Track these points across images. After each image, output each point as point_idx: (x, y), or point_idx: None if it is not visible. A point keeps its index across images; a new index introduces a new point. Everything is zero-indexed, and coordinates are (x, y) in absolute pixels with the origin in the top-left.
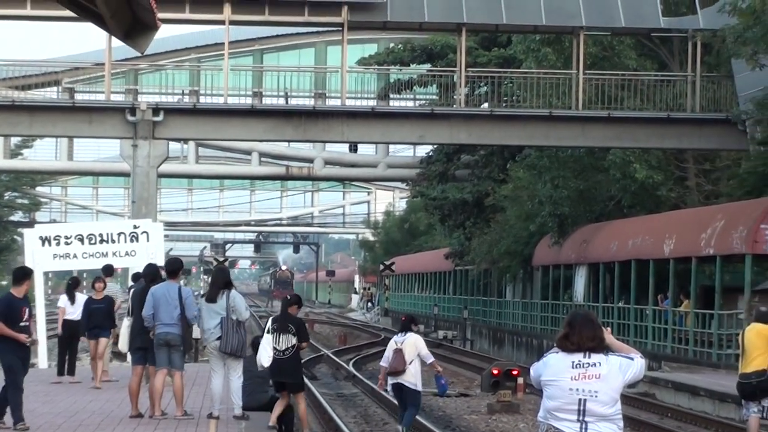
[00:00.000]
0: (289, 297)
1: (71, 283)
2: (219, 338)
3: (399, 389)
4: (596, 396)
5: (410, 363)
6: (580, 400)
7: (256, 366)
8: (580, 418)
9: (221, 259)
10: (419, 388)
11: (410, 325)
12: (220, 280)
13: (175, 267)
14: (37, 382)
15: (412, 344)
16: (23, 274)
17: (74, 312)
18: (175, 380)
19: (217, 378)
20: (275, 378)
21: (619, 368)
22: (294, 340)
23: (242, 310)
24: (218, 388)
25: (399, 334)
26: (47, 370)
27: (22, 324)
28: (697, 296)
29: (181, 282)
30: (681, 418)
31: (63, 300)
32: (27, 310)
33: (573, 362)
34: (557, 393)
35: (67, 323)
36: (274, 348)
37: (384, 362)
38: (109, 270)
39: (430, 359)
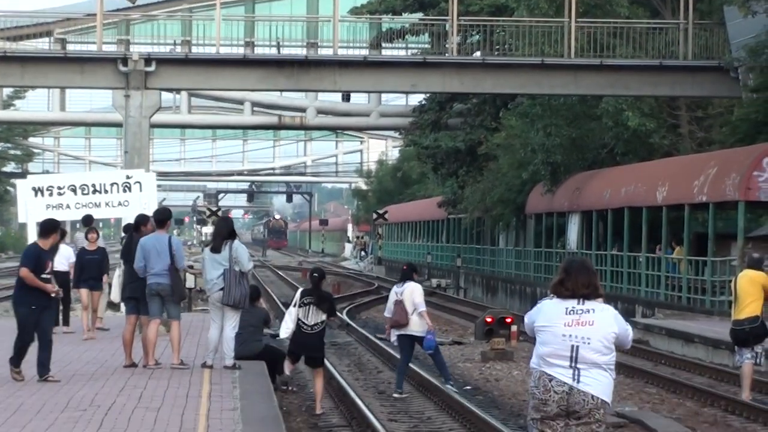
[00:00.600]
0: (317, 273)
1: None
2: (221, 289)
3: (406, 340)
4: (589, 342)
5: (412, 313)
6: (572, 346)
7: (251, 316)
8: (573, 364)
9: (214, 209)
10: (432, 333)
11: (411, 274)
12: (224, 231)
13: (163, 217)
14: None
15: (410, 293)
16: (51, 227)
17: (61, 263)
18: (172, 329)
19: (215, 328)
20: (299, 351)
21: (613, 317)
22: (323, 316)
23: (245, 262)
24: (215, 338)
25: (398, 284)
26: None
27: (44, 276)
28: (690, 243)
29: (174, 232)
30: (675, 364)
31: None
32: (50, 263)
33: (567, 308)
34: (550, 339)
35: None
36: (303, 322)
37: (387, 313)
38: (87, 220)
39: (421, 308)
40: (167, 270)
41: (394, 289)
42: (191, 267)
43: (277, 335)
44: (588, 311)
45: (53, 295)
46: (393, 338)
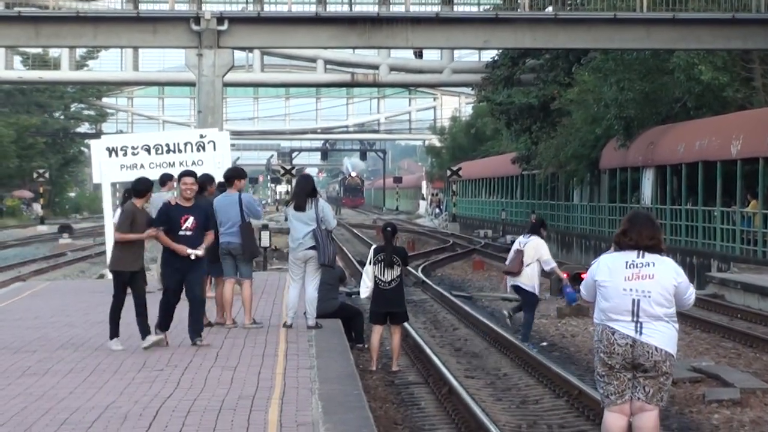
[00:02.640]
0: (390, 227)
1: (126, 196)
2: (311, 248)
3: (517, 290)
4: (649, 295)
5: (527, 265)
6: (633, 300)
7: (327, 274)
8: (635, 318)
9: (288, 168)
10: (536, 291)
11: (539, 228)
12: (307, 188)
13: (228, 174)
14: (107, 293)
15: (533, 247)
16: (147, 186)
17: None
18: (243, 289)
19: (295, 287)
20: (381, 309)
21: (674, 269)
22: (399, 271)
23: (331, 220)
24: (295, 297)
25: (524, 235)
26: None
27: (182, 233)
28: (765, 197)
29: (249, 191)
30: (751, 318)
31: (117, 215)
32: (190, 218)
33: (627, 262)
34: (611, 293)
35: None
36: (379, 279)
37: (508, 262)
38: (165, 179)
39: (551, 265)
40: (237, 228)
41: (519, 239)
42: (266, 226)
43: (353, 293)
44: (648, 264)
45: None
46: (508, 286)
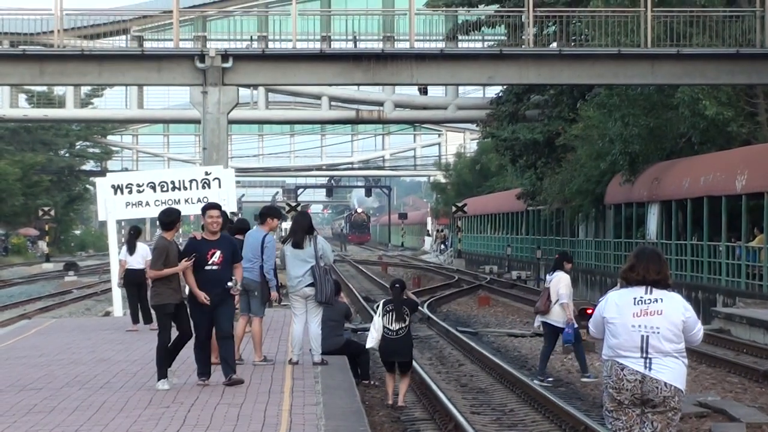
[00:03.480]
0: (398, 284)
1: (132, 233)
2: (309, 285)
3: (548, 328)
4: (658, 331)
5: (555, 303)
6: (642, 336)
7: (332, 311)
8: (644, 354)
9: (294, 204)
10: (571, 325)
11: (562, 263)
12: (305, 225)
13: (265, 212)
14: (112, 330)
15: (556, 283)
16: (172, 219)
17: (136, 262)
18: (253, 326)
19: (299, 323)
20: (387, 358)
21: (682, 305)
22: (407, 321)
23: (330, 256)
24: (299, 334)
25: (550, 272)
26: (123, 319)
27: (208, 267)
28: None
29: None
30: (757, 353)
31: (123, 252)
32: (217, 252)
33: (635, 299)
34: (620, 330)
35: (129, 273)
36: (387, 329)
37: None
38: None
39: (563, 300)
40: (257, 266)
41: (547, 276)
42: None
43: (359, 329)
44: (656, 300)
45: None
46: (536, 324)
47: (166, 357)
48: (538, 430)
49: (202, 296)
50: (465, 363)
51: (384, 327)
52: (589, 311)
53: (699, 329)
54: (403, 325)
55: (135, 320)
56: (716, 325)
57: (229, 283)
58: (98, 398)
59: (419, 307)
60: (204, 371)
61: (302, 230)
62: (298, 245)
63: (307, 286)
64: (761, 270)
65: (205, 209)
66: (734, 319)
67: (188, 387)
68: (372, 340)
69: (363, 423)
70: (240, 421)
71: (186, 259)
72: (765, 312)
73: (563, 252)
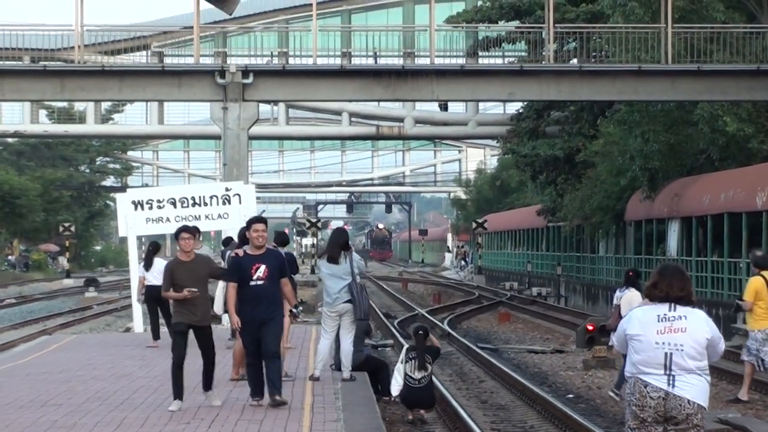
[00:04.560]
0: (421, 331)
1: (151, 249)
2: (347, 302)
3: None
4: (682, 349)
5: None
6: (666, 353)
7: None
8: (667, 371)
9: (314, 221)
10: None
11: (635, 279)
12: (341, 241)
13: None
14: (133, 346)
15: (628, 300)
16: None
17: (154, 277)
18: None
19: (327, 339)
20: (409, 407)
21: (705, 322)
22: (430, 369)
23: (363, 272)
24: (327, 350)
25: (620, 289)
26: (143, 335)
27: (253, 282)
28: None
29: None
30: None
31: (140, 269)
32: (261, 266)
33: (658, 316)
34: (643, 347)
35: (149, 289)
36: (409, 377)
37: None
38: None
39: None
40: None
41: (617, 293)
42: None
43: (379, 345)
44: (680, 318)
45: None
46: (611, 342)
47: (176, 376)
48: None
49: (236, 322)
50: (485, 379)
51: (406, 374)
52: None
53: (722, 345)
54: (425, 374)
55: (156, 336)
56: (736, 342)
57: (294, 311)
58: (118, 414)
59: (440, 353)
60: (255, 392)
61: (338, 246)
62: (333, 260)
63: (344, 302)
64: None
65: (251, 222)
66: None
67: (207, 404)
68: (396, 386)
69: None
70: None
71: (187, 290)
72: None
73: (635, 269)
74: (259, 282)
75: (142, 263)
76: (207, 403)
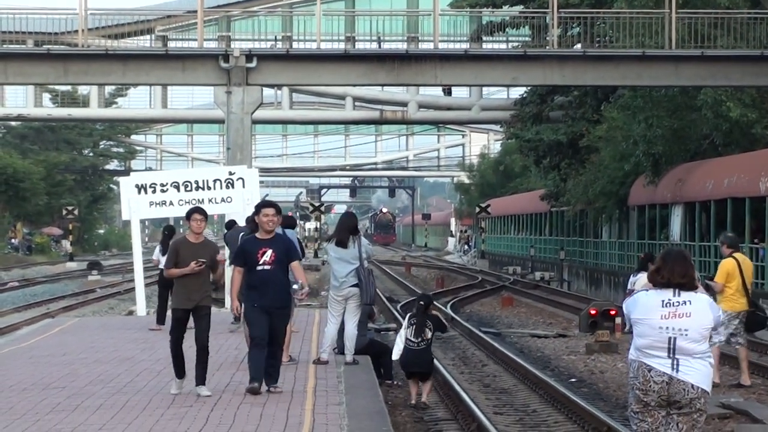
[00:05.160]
0: (422, 301)
1: (166, 233)
2: (354, 285)
3: None
4: (686, 333)
5: None
6: (670, 338)
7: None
8: (671, 355)
9: (317, 205)
10: None
11: (647, 263)
12: (350, 225)
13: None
14: (136, 329)
15: (642, 285)
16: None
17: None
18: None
19: (334, 323)
20: (406, 368)
21: (709, 306)
22: (429, 335)
23: (371, 257)
24: (334, 333)
25: (634, 273)
26: (146, 318)
27: (259, 267)
28: None
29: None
30: None
31: (156, 252)
32: (268, 250)
33: (663, 301)
34: (647, 331)
35: (161, 273)
36: (409, 339)
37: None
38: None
39: None
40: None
41: (631, 278)
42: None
43: (382, 329)
44: (684, 303)
45: (234, 312)
46: (626, 328)
47: (176, 356)
48: (561, 431)
49: (236, 308)
50: (488, 363)
51: (406, 338)
52: (612, 312)
53: (723, 329)
54: (426, 338)
55: (160, 321)
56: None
57: (294, 286)
58: (121, 397)
59: (445, 329)
60: (255, 376)
61: (347, 230)
62: (342, 244)
63: (351, 286)
64: None
65: (260, 207)
66: None
67: (212, 386)
68: (397, 351)
69: (386, 423)
70: (263, 420)
71: (195, 262)
72: None
73: (649, 253)
74: (266, 267)
75: (159, 246)
76: (196, 392)
